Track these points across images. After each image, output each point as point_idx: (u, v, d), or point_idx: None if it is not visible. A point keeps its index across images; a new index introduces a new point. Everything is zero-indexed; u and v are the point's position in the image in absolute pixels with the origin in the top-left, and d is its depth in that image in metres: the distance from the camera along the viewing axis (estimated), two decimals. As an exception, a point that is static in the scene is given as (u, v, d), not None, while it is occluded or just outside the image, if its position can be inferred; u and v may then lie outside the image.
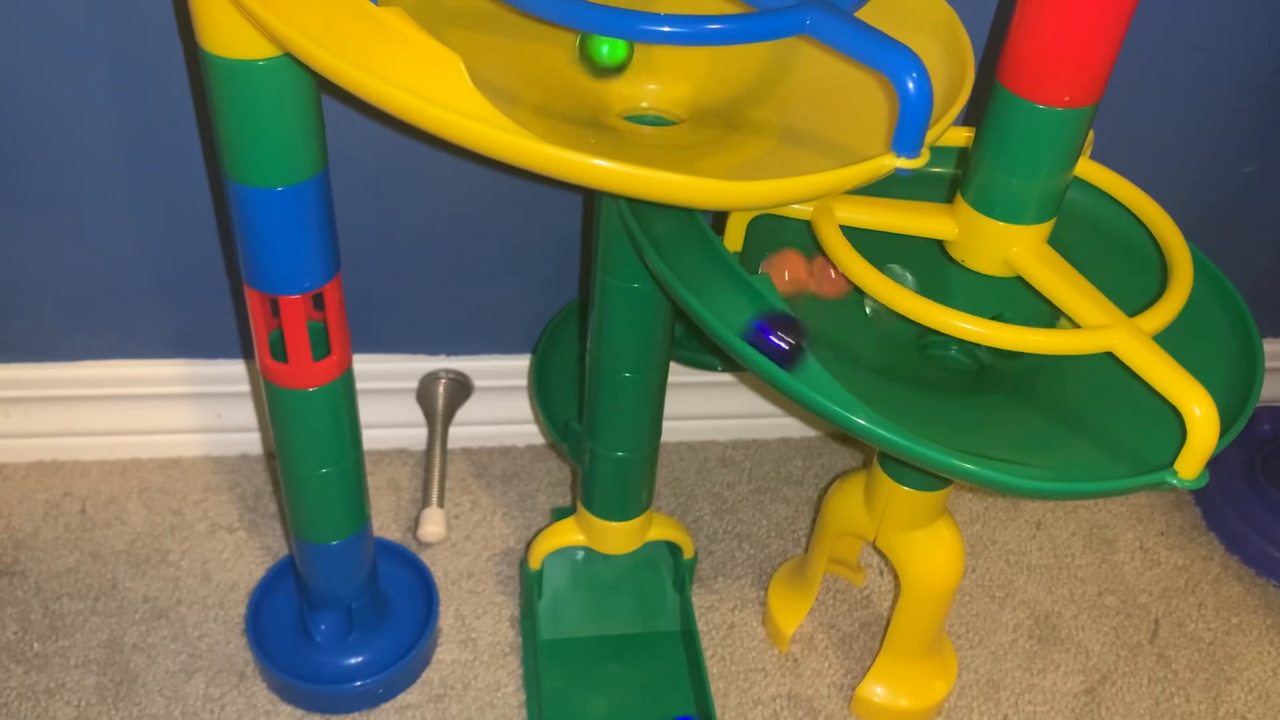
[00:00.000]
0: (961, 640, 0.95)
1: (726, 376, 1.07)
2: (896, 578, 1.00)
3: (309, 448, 0.74)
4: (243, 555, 0.96)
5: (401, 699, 0.87)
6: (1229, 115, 0.95)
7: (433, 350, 1.02)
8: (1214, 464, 1.09)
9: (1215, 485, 1.08)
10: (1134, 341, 0.59)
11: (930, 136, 0.52)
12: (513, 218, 0.93)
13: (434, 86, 0.48)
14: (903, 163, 0.50)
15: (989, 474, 0.57)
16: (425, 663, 0.89)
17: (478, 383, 1.04)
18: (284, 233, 0.63)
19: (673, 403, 0.98)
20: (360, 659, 0.86)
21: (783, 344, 0.63)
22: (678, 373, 1.03)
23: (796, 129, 0.60)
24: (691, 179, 0.47)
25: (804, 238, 0.70)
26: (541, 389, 0.92)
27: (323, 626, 0.86)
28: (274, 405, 0.72)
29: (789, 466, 1.09)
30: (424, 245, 0.94)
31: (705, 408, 1.09)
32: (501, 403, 1.05)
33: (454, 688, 0.88)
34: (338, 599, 0.85)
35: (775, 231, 0.73)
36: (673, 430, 1.09)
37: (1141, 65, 0.90)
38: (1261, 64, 0.92)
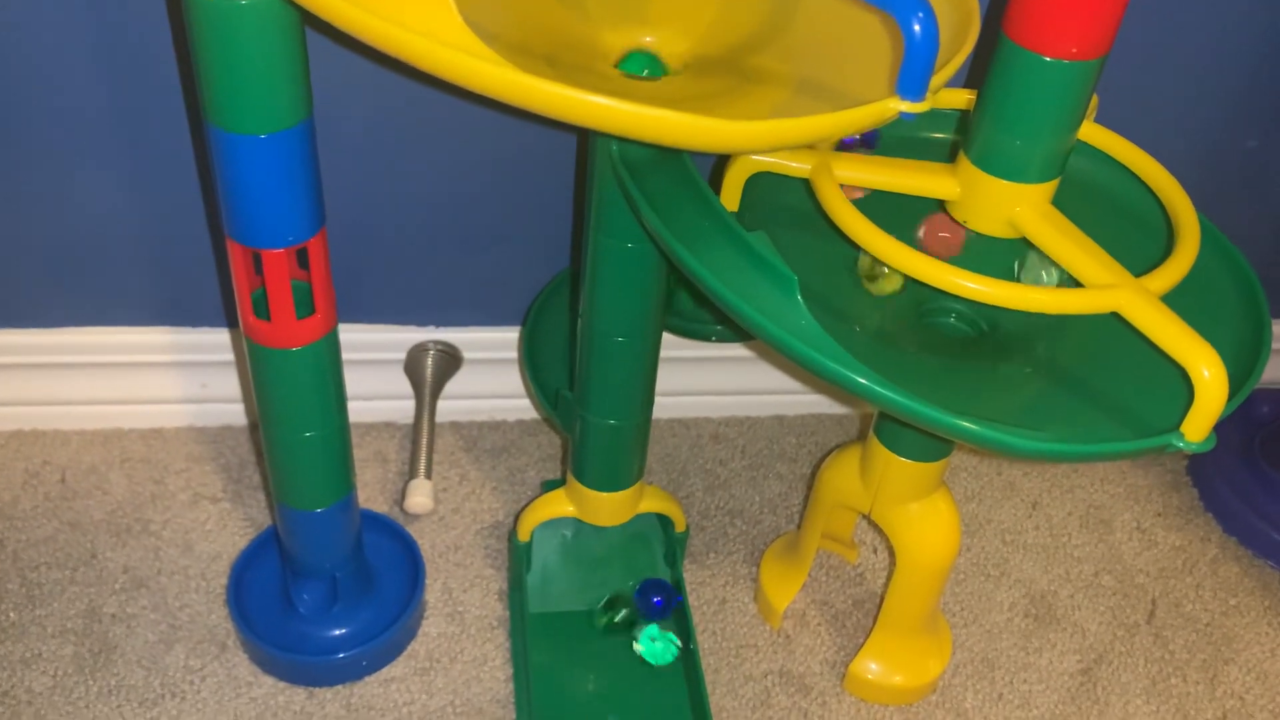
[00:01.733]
0: (956, 619, 0.94)
1: (720, 351, 1.05)
2: (891, 554, 0.98)
3: (292, 410, 0.72)
4: (226, 526, 0.94)
5: (386, 672, 0.85)
6: (1233, 89, 0.94)
7: (421, 321, 1.00)
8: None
9: (1213, 466, 1.07)
10: (1141, 301, 0.57)
11: (935, 82, 0.50)
12: (504, 185, 0.91)
13: (421, 19, 0.46)
14: (907, 106, 0.49)
15: (989, 434, 0.56)
16: (411, 635, 0.88)
17: (467, 355, 1.02)
18: (267, 182, 0.61)
19: (665, 378, 0.96)
20: (344, 630, 0.85)
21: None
22: (671, 347, 1.01)
23: (798, 77, 0.58)
24: (689, 117, 0.46)
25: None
26: (532, 357, 0.90)
27: (306, 597, 0.84)
28: (257, 365, 0.70)
29: (782, 443, 1.07)
30: (414, 212, 0.92)
31: (698, 383, 1.07)
32: (491, 375, 1.04)
33: (440, 661, 0.86)
34: (322, 569, 0.83)
35: (773, 191, 0.71)
36: (665, 406, 1.08)
37: (1144, 39, 0.88)
38: (1268, 38, 0.90)
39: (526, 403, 1.06)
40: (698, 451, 1.06)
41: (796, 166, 0.66)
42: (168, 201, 0.88)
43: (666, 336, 0.97)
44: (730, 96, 0.59)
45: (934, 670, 0.86)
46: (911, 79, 0.48)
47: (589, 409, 0.78)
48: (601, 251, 0.69)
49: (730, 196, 0.68)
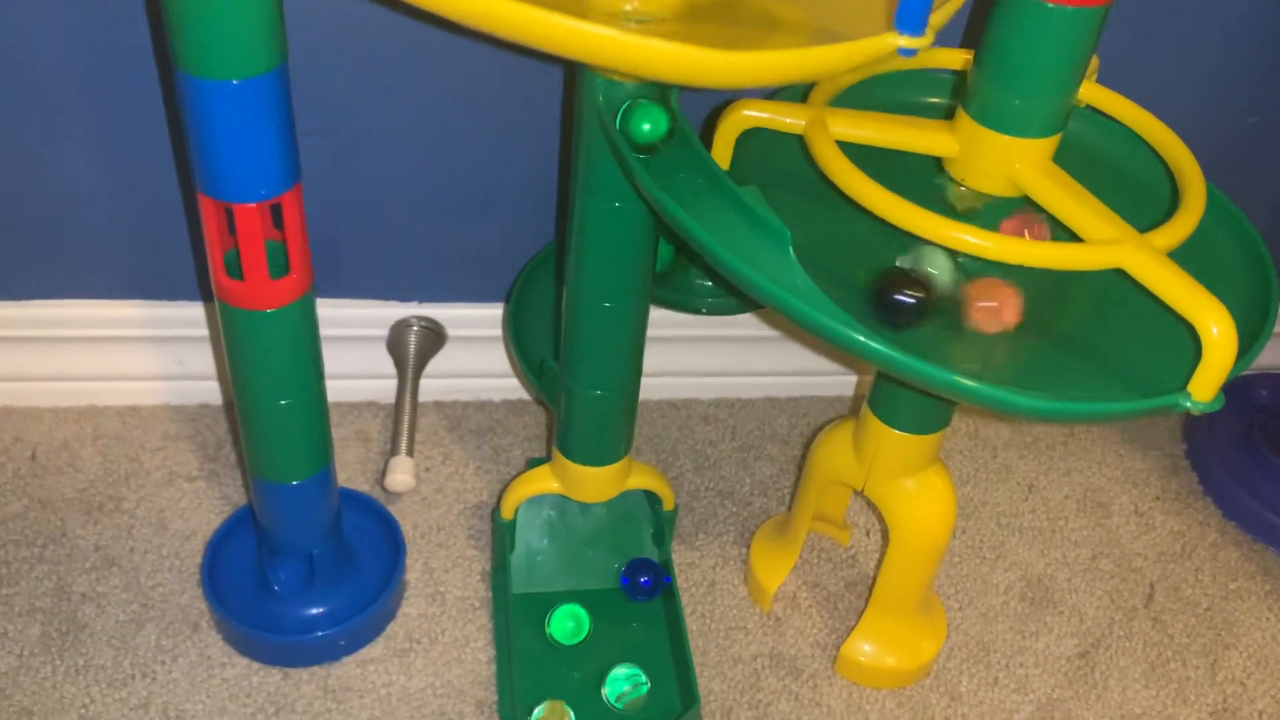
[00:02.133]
0: (951, 602, 0.92)
1: (710, 331, 1.03)
2: (884, 537, 0.96)
3: (267, 376, 0.70)
4: (201, 504, 0.91)
5: (364, 653, 0.83)
6: (1235, 64, 0.92)
7: (404, 296, 0.98)
8: (1211, 431, 1.06)
9: (1212, 451, 1.05)
10: (1146, 257, 0.55)
11: (935, 20, 0.48)
12: (489, 155, 0.89)
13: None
14: (905, 41, 0.46)
15: (990, 392, 0.54)
16: (390, 616, 0.85)
17: (452, 332, 0.99)
18: (239, 132, 0.58)
19: (654, 358, 0.94)
20: (321, 610, 0.82)
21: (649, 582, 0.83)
22: (660, 326, 0.99)
23: (797, 21, 0.56)
24: (678, 46, 0.44)
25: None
26: (517, 330, 0.88)
27: (281, 575, 0.81)
28: (229, 328, 0.68)
29: (774, 425, 1.05)
30: (397, 183, 0.89)
31: (688, 364, 1.05)
32: (476, 353, 1.01)
33: (420, 642, 0.84)
34: (298, 546, 0.80)
35: (766, 151, 0.69)
36: (654, 387, 1.05)
37: (1144, 12, 0.86)
38: (1270, 11, 0.89)
39: (512, 382, 1.03)
40: (687, 433, 1.04)
41: (790, 122, 0.64)
42: (141, 168, 0.85)
43: (656, 314, 0.95)
44: (725, 41, 0.57)
45: (928, 652, 0.84)
46: (910, 12, 0.46)
47: (575, 379, 0.75)
48: (588, 212, 0.67)
49: (721, 154, 0.66)
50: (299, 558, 0.81)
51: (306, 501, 0.78)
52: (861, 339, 0.54)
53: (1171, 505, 1.03)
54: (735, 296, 0.86)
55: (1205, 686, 0.88)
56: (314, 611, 0.82)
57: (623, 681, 0.79)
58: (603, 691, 0.79)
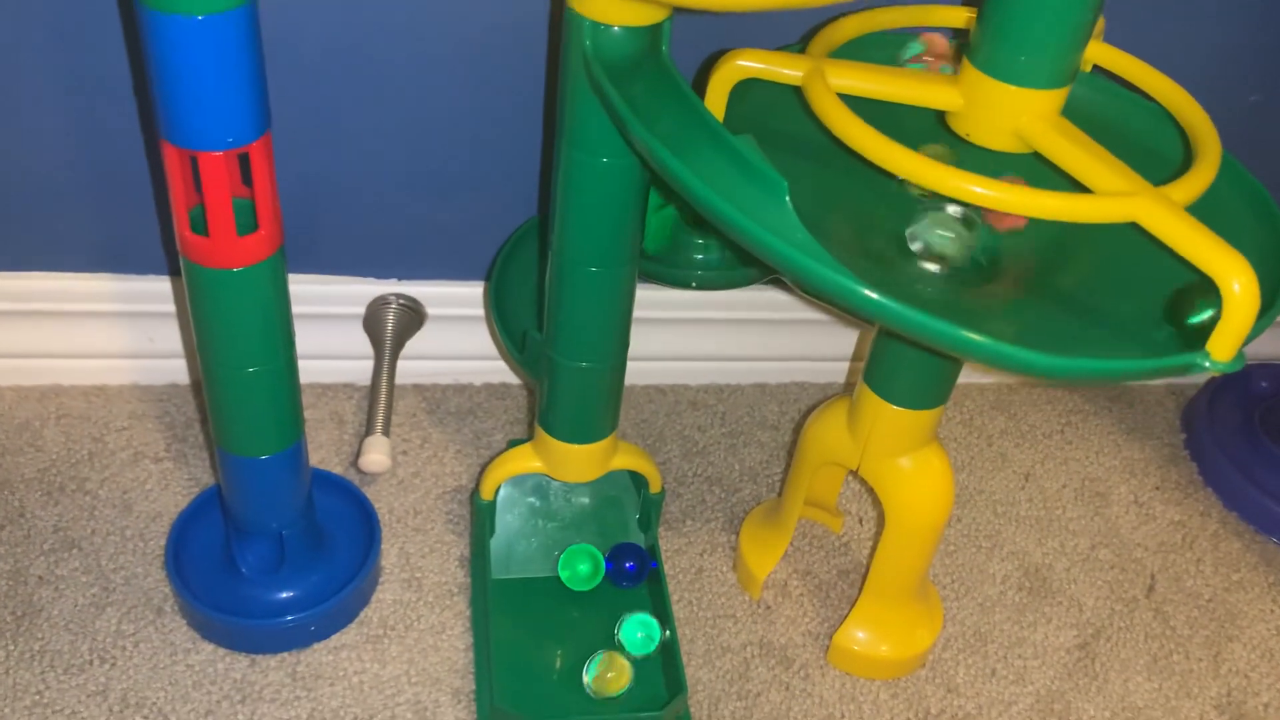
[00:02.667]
0: (947, 591, 0.88)
1: (699, 314, 1.00)
2: (877, 524, 0.93)
3: (234, 340, 0.66)
4: (168, 486, 0.88)
5: (336, 639, 0.79)
6: (1236, 41, 0.90)
7: (382, 273, 0.94)
8: (1210, 421, 1.04)
9: (1213, 441, 1.02)
10: (1163, 210, 0.52)
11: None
12: (471, 128, 0.85)
13: None
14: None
15: (1000, 349, 0.51)
16: (364, 601, 0.81)
17: (431, 311, 0.96)
18: (204, 71, 0.55)
19: (642, 342, 0.91)
20: (291, 594, 0.78)
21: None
22: (648, 307, 0.96)
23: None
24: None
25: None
26: (498, 298, 0.85)
27: (250, 557, 0.78)
28: (194, 288, 0.64)
29: (764, 411, 1.02)
30: (376, 156, 0.86)
31: (676, 348, 1.02)
32: (456, 334, 0.98)
33: (395, 628, 0.80)
34: (267, 526, 0.77)
35: (761, 109, 0.66)
36: (641, 372, 1.02)
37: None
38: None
39: (493, 364, 1.00)
40: (675, 418, 1.00)
41: (787, 73, 0.61)
42: (107, 132, 0.82)
43: (644, 295, 0.92)
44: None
45: (924, 641, 0.81)
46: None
47: (559, 350, 0.72)
48: (573, 168, 0.63)
49: (714, 109, 0.63)
50: (268, 539, 0.77)
51: (275, 478, 0.74)
52: (863, 292, 0.51)
53: (1171, 495, 1.00)
54: (732, 251, 0.82)
55: (1208, 679, 0.85)
56: (283, 595, 0.78)
57: (636, 626, 0.76)
58: (616, 636, 0.77)
